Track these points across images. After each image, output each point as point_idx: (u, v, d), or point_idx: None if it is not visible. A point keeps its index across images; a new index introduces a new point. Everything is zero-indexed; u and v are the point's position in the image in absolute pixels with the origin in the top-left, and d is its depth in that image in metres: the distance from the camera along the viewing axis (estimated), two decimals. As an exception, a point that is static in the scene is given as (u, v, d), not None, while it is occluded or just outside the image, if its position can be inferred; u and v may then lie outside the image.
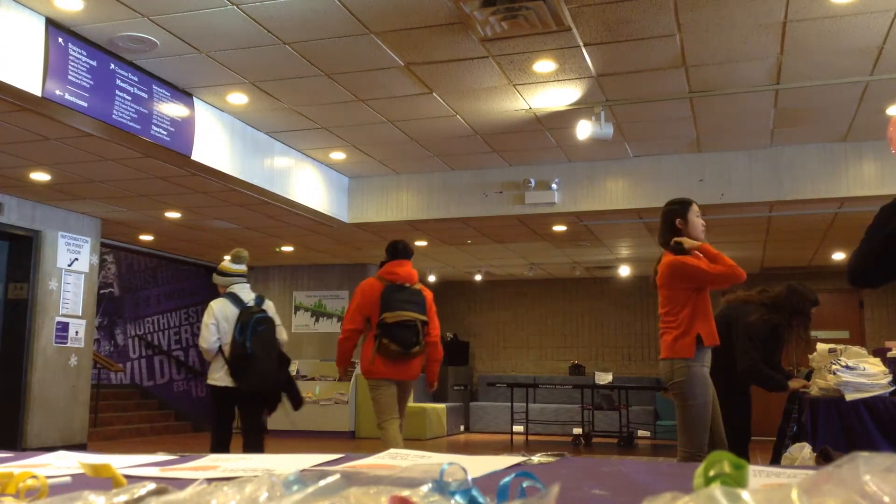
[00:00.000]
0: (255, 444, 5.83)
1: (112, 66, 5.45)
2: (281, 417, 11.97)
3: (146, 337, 14.19)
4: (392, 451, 1.26)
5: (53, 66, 4.98)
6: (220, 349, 5.72)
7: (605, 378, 11.04)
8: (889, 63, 5.56)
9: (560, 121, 6.82)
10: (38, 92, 4.91)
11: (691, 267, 4.16)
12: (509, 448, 10.42)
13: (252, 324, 5.64)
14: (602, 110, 6.36)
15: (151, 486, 0.65)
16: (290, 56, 5.46)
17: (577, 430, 11.66)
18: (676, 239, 4.25)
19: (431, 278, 13.83)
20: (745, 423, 5.06)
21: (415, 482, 0.62)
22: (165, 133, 6.01)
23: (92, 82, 5.28)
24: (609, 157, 7.89)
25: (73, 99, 5.14)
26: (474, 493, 0.61)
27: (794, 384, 4.85)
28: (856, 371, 4.17)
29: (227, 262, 5.87)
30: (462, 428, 13.19)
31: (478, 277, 13.74)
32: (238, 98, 6.36)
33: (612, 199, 8.02)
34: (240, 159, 7.00)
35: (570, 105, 6.43)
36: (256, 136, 7.23)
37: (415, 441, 10.98)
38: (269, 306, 5.88)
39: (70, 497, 0.62)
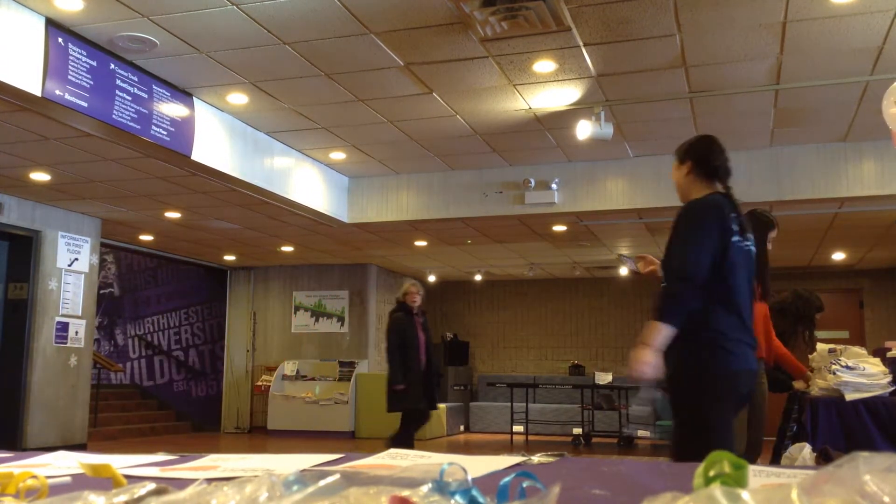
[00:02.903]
0: None
1: (112, 66, 5.45)
2: (281, 417, 11.98)
3: (146, 337, 14.19)
4: (392, 451, 1.26)
5: (53, 66, 4.98)
6: None
7: (604, 378, 11.04)
8: (889, 63, 5.56)
9: (560, 121, 6.82)
10: (38, 92, 4.91)
11: None
12: (509, 448, 10.42)
13: None
14: (602, 110, 6.36)
15: (151, 486, 0.65)
16: (290, 56, 5.46)
17: (577, 430, 11.66)
18: None
19: (431, 278, 13.84)
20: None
21: (415, 482, 0.62)
22: (165, 133, 6.01)
23: (92, 82, 5.28)
24: (609, 157, 7.89)
25: (73, 99, 5.14)
26: (474, 493, 0.61)
27: (798, 384, 4.85)
28: (856, 371, 4.17)
29: None
30: (462, 428, 13.19)
31: (478, 277, 13.75)
32: (238, 98, 6.36)
33: (612, 199, 8.02)
34: (240, 159, 7.00)
35: (570, 105, 6.43)
36: (256, 136, 7.23)
37: (415, 441, 10.98)
38: None
39: (70, 497, 0.62)
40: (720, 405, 2.98)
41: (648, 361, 2.95)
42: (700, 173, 3.25)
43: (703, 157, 3.26)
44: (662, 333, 2.95)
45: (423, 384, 7.24)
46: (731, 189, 3.24)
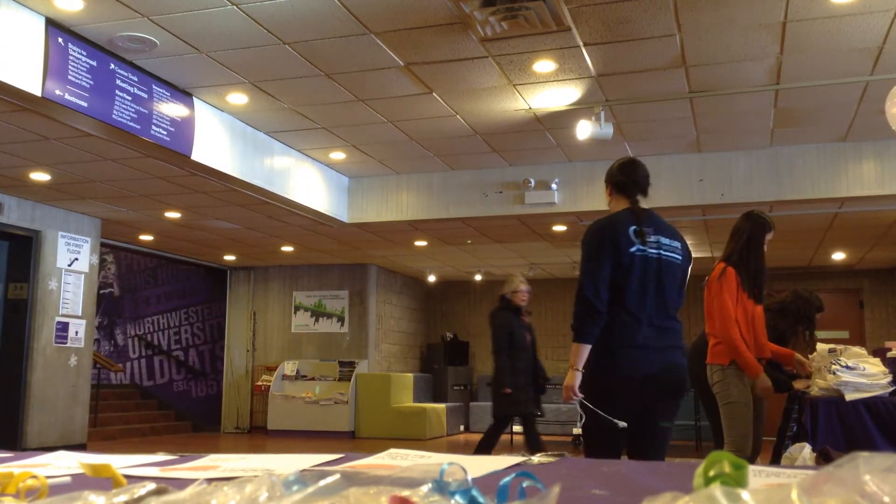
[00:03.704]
0: None
1: (112, 66, 5.45)
2: (281, 417, 11.99)
3: (146, 337, 14.19)
4: (392, 451, 1.26)
5: (53, 66, 4.98)
6: None
7: (605, 378, 11.02)
8: (889, 63, 5.56)
9: (560, 121, 6.82)
10: (38, 92, 4.91)
11: (721, 297, 4.26)
12: (509, 448, 10.42)
13: None
14: (602, 110, 6.36)
15: (151, 486, 0.65)
16: (290, 56, 5.46)
17: (577, 430, 11.66)
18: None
19: (431, 278, 13.84)
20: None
21: (415, 482, 0.62)
22: (165, 133, 6.01)
23: (92, 82, 5.28)
24: (609, 157, 7.86)
25: (73, 99, 5.14)
26: (474, 493, 0.61)
27: (798, 384, 4.85)
28: (856, 371, 4.17)
29: None
30: (462, 428, 13.19)
31: (478, 277, 13.74)
32: (238, 98, 6.36)
33: (612, 199, 8.01)
34: (240, 159, 7.00)
35: (570, 105, 6.43)
36: (256, 136, 7.23)
37: (415, 441, 10.99)
38: None
39: (70, 497, 0.62)
40: (613, 406, 3.21)
41: (572, 385, 3.32)
42: (617, 193, 3.63)
43: (616, 178, 3.64)
44: (581, 354, 3.28)
45: (532, 387, 6.81)
46: (637, 202, 3.54)
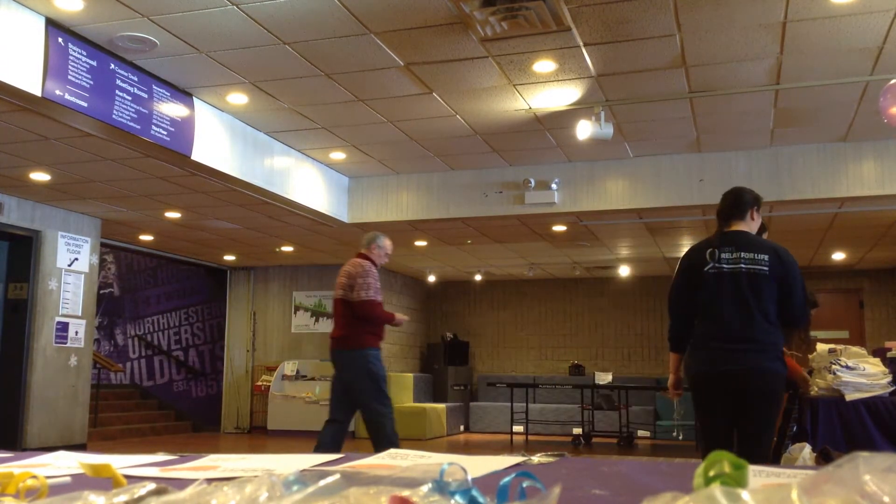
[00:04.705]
0: None
1: (112, 66, 5.45)
2: (281, 417, 11.98)
3: (146, 337, 14.19)
4: (392, 451, 1.26)
5: (53, 66, 4.98)
6: None
7: (604, 378, 11.04)
8: (889, 63, 5.56)
9: (560, 121, 6.82)
10: (38, 92, 4.91)
11: None
12: (509, 448, 10.41)
13: None
14: (602, 110, 6.36)
15: (151, 486, 0.65)
16: (290, 56, 5.46)
17: (577, 430, 11.66)
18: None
19: (431, 278, 13.84)
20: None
21: (415, 482, 0.62)
22: (165, 133, 6.01)
23: (92, 82, 5.28)
24: (609, 157, 7.89)
25: (73, 99, 5.14)
26: (474, 493, 0.61)
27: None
28: (856, 371, 4.18)
29: None
30: (462, 428, 13.19)
31: (478, 277, 13.74)
32: (238, 98, 6.36)
33: (612, 199, 8.02)
34: (240, 159, 7.00)
35: (570, 105, 6.43)
36: (256, 136, 7.23)
37: (415, 441, 10.98)
38: None
39: (70, 497, 0.62)
40: (694, 399, 3.79)
41: (671, 387, 4.01)
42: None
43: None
44: (672, 360, 3.98)
45: None
46: (723, 227, 3.86)
